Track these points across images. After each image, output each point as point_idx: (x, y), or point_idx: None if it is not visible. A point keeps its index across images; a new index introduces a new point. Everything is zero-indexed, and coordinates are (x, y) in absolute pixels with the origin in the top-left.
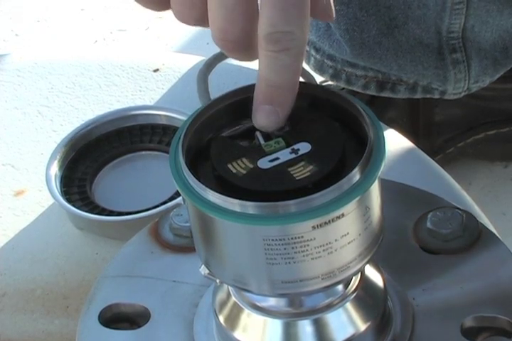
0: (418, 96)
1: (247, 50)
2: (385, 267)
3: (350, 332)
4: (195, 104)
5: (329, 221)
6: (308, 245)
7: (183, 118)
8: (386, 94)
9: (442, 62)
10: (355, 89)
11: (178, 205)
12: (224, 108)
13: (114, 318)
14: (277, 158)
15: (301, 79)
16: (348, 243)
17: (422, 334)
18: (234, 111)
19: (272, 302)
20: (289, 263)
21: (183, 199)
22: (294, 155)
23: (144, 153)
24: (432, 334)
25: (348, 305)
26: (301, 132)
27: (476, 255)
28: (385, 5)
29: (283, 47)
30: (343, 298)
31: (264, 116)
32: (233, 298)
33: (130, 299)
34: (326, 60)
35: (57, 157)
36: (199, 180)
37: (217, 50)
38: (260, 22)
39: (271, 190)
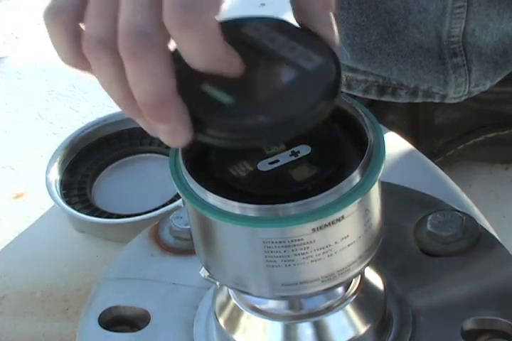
0: (419, 100)
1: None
2: (385, 269)
3: (350, 334)
4: None
5: (329, 223)
6: (308, 247)
7: None
8: (387, 98)
9: (443, 66)
10: (355, 93)
11: (178, 208)
12: None
13: (114, 321)
14: (277, 161)
15: None
16: (348, 245)
17: (421, 337)
18: None
19: (271, 304)
20: (289, 265)
21: (183, 202)
22: (294, 158)
23: (144, 155)
24: (432, 337)
25: (348, 308)
26: (301, 134)
27: (476, 257)
28: (386, 10)
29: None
30: (343, 301)
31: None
32: (233, 301)
33: (130, 302)
34: None
35: (58, 159)
36: (199, 183)
37: None
38: None
39: (271, 192)
